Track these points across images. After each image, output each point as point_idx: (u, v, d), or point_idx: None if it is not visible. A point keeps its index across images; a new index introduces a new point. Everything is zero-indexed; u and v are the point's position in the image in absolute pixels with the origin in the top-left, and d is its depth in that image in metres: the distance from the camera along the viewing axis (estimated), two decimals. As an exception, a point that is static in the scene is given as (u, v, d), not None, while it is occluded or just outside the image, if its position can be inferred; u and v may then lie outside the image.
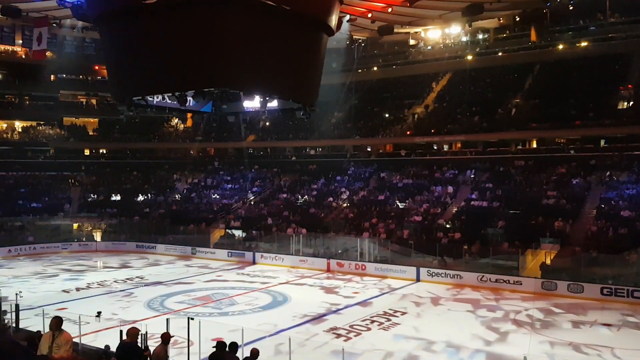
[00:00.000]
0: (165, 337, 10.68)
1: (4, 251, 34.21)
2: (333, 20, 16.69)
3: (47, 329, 13.91)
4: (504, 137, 38.54)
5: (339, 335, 17.55)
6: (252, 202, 41.68)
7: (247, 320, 19.48)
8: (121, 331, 13.10)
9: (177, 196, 45.26)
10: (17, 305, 16.39)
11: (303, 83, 16.58)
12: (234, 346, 10.26)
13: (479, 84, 44.03)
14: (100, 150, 53.17)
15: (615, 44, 39.39)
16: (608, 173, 32.13)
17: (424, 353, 16.12)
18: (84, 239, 39.70)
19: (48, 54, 45.20)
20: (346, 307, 21.83)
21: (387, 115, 46.22)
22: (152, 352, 10.61)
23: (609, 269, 23.70)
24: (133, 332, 9.78)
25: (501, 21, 43.95)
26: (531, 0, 34.33)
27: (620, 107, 36.30)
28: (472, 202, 33.23)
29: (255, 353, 10.06)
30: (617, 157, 33.19)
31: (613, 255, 24.08)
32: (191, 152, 53.95)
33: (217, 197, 43.49)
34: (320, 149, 48.41)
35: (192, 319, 13.51)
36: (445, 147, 42.50)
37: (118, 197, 44.91)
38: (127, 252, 36.99)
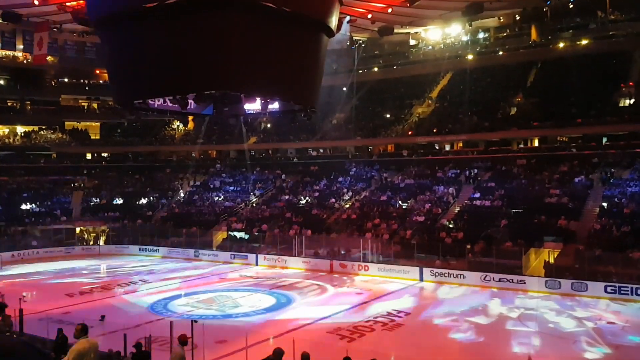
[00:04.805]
0: (183, 339, 10.75)
1: (8, 256, 34.21)
2: (333, 22, 16.70)
3: (51, 334, 13.97)
4: (505, 136, 38.51)
5: (342, 336, 17.51)
6: (255, 204, 41.69)
7: (251, 323, 19.51)
8: (125, 335, 13.12)
9: (181, 196, 45.27)
10: (20, 310, 16.39)
11: (304, 85, 16.59)
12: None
13: (480, 83, 44.00)
14: (102, 154, 53.22)
15: (616, 41, 39.34)
16: (610, 171, 32.08)
17: (428, 353, 16.11)
18: (86, 243, 39.75)
19: (49, 58, 45.38)
20: (349, 308, 21.79)
21: (388, 115, 46.23)
22: (172, 352, 10.71)
23: (613, 267, 23.62)
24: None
25: (501, 20, 43.95)
26: (531, -2, 34.36)
27: (621, 104, 36.26)
28: (475, 202, 33.21)
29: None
30: (619, 154, 33.11)
31: (617, 253, 24.00)
32: (193, 154, 53.96)
33: (220, 199, 43.50)
34: (322, 150, 48.40)
35: (196, 321, 13.51)
36: (447, 147, 42.47)
37: (120, 201, 44.96)
38: (130, 255, 37.05)
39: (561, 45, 41.84)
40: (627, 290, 22.21)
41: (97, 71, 52.97)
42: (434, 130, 41.16)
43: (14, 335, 14.24)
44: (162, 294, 24.67)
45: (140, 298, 23.93)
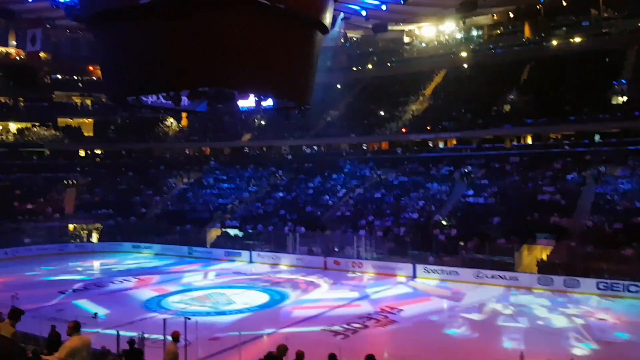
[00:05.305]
0: (176, 336, 10.76)
1: (0, 253, 34.06)
2: (327, 19, 16.70)
3: (44, 331, 13.93)
4: (499, 133, 38.58)
5: (336, 333, 17.56)
6: (249, 202, 41.65)
7: (245, 320, 19.53)
8: (118, 332, 13.12)
9: (174, 193, 45.16)
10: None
11: (297, 82, 16.58)
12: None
13: (473, 81, 44.07)
14: (96, 151, 52.99)
15: (610, 39, 39.52)
16: (603, 168, 32.24)
17: (422, 350, 16.17)
18: (79, 240, 39.60)
19: (42, 54, 45.17)
20: (343, 305, 21.83)
21: (382, 113, 46.24)
22: (165, 350, 10.73)
23: (605, 263, 23.75)
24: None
25: (495, 17, 44.09)
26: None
27: (614, 102, 36.39)
28: (468, 199, 33.30)
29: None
30: (612, 152, 33.29)
31: (609, 250, 24.15)
32: (187, 151, 53.84)
33: (214, 196, 43.41)
34: (316, 148, 48.39)
35: (189, 318, 13.53)
36: (441, 144, 42.57)
37: (114, 198, 44.77)
38: (123, 253, 36.94)
39: (555, 42, 41.97)
40: (619, 287, 22.33)
41: (91, 68, 52.74)
42: (428, 128, 41.21)
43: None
44: (156, 291, 24.66)
45: (134, 295, 23.91)
